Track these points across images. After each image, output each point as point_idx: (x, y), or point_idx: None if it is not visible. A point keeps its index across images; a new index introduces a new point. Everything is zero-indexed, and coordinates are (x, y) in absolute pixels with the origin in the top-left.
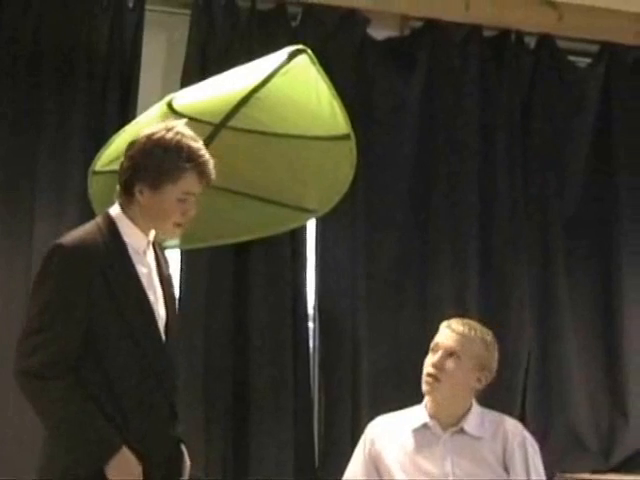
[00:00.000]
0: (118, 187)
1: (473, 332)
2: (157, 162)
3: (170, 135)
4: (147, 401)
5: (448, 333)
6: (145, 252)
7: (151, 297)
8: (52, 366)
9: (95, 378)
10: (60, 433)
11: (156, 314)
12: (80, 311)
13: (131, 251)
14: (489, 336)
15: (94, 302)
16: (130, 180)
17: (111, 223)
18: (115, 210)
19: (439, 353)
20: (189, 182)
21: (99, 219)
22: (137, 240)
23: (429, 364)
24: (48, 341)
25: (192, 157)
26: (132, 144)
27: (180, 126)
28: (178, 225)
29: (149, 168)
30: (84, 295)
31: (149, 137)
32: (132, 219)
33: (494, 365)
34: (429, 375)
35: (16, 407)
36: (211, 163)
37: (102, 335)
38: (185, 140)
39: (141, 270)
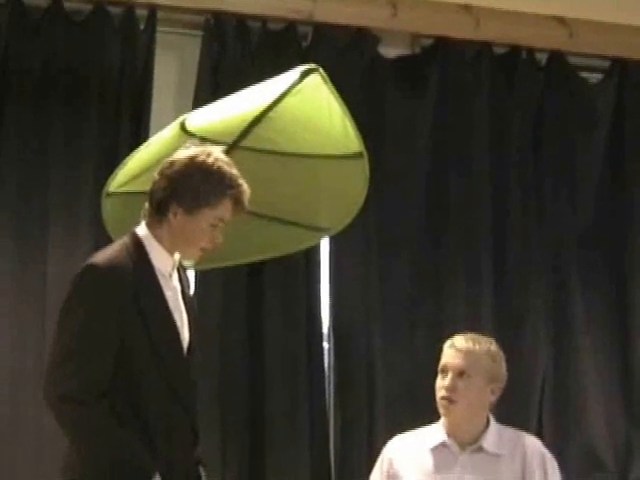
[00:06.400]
0: (148, 206)
1: (477, 346)
2: (197, 186)
3: (211, 160)
4: (173, 425)
5: (453, 353)
6: (171, 275)
7: (177, 321)
8: (88, 391)
9: (124, 402)
10: (97, 459)
11: (181, 337)
12: (113, 335)
13: (158, 274)
14: (493, 345)
15: (125, 325)
16: (165, 201)
17: (139, 244)
18: (142, 230)
19: (449, 375)
20: (225, 209)
21: (126, 239)
22: (164, 263)
23: (441, 387)
24: (83, 366)
25: (232, 185)
26: (172, 164)
27: (218, 152)
28: (203, 250)
29: (188, 191)
30: (116, 318)
31: (191, 159)
32: (159, 239)
33: (504, 374)
34: (443, 398)
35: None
36: (248, 193)
37: (132, 360)
38: (225, 167)
39: (167, 294)
